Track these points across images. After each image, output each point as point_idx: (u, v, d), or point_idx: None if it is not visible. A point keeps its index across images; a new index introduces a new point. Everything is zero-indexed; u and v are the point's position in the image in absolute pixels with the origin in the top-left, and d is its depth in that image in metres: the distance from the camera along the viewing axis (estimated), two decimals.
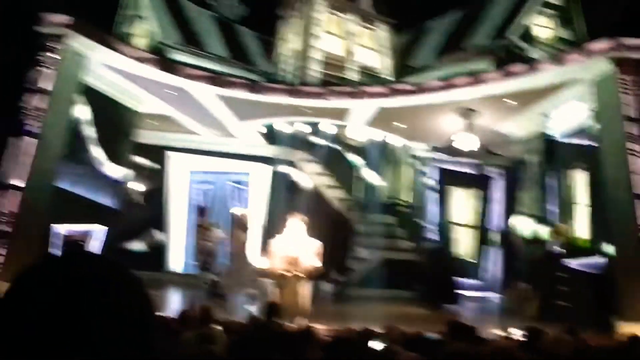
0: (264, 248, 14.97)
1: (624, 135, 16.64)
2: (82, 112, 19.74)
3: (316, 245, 13.88)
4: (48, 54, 17.87)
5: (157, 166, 25.24)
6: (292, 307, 12.94)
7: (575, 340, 8.48)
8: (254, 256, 23.45)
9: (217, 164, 26.22)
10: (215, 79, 21.41)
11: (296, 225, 14.01)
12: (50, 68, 17.78)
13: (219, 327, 9.10)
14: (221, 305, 17.51)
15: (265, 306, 10.99)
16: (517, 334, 10.52)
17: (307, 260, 13.49)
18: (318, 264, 13.73)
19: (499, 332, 13.46)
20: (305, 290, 13.59)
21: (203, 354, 6.86)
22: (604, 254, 17.94)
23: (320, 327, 12.69)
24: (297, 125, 24.39)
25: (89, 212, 20.74)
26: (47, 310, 1.42)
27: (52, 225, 18.77)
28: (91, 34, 18.78)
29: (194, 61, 25.20)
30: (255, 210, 26.05)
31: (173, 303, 19.86)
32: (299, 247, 13.54)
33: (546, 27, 25.32)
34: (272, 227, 19.78)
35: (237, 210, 24.01)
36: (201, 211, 23.09)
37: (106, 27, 24.26)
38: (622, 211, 16.68)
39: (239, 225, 22.20)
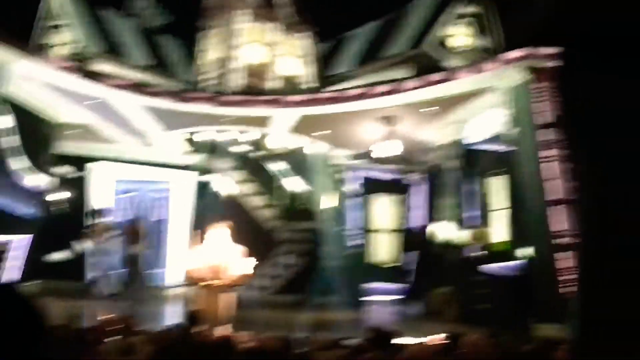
0: (188, 256, 14.68)
1: (539, 142, 16.87)
2: (2, 122, 19.39)
3: (241, 251, 13.81)
4: None
5: (75, 175, 24.87)
6: (216, 315, 12.81)
7: (493, 344, 8.53)
8: (180, 264, 23.33)
9: (139, 172, 25.93)
10: (138, 88, 21.22)
11: (220, 233, 13.83)
12: None
13: (139, 337, 8.95)
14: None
15: (187, 315, 10.81)
16: (436, 338, 10.55)
17: (232, 268, 13.25)
18: (244, 270, 13.49)
19: (419, 338, 13.53)
20: (229, 298, 13.45)
21: None
22: (521, 257, 18.20)
23: (243, 335, 12.65)
24: (220, 134, 24.30)
25: (9, 222, 20.37)
26: None
27: None
28: (11, 44, 18.47)
29: (116, 70, 24.91)
30: (177, 218, 25.93)
31: (95, 313, 19.56)
32: (223, 255, 13.39)
33: (464, 35, 25.61)
34: (195, 235, 19.58)
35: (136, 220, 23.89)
36: (99, 213, 22.80)
37: (24, 38, 23.89)
38: (537, 215, 16.93)
39: (132, 233, 22.13)
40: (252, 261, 14.47)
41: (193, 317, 10.51)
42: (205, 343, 8.18)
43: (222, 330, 12.39)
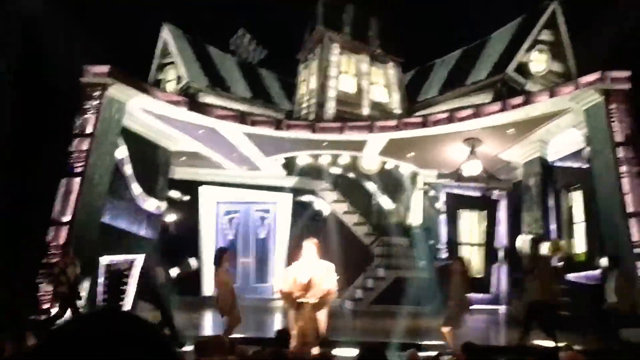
0: (281, 273, 14.22)
1: (613, 159, 17.18)
2: (122, 152, 20.39)
3: (328, 268, 12.89)
4: (91, 101, 18.56)
5: (187, 198, 25.82)
6: (308, 333, 12.09)
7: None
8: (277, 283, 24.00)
9: (243, 194, 26.80)
10: (242, 118, 21.98)
11: (309, 249, 12.97)
12: (94, 114, 18.46)
13: (233, 357, 8.74)
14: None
15: (277, 333, 10.70)
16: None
17: (320, 285, 12.50)
18: (331, 287, 12.68)
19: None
20: (321, 316, 12.60)
21: None
22: (599, 267, 18.43)
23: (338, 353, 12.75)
24: (317, 157, 24.98)
25: (131, 243, 21.33)
26: None
27: (99, 257, 19.37)
28: (128, 81, 19.47)
29: (221, 102, 25.86)
30: (279, 236, 26.71)
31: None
32: (311, 272, 12.57)
33: (539, 61, 25.88)
34: (294, 254, 20.03)
35: None
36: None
37: (143, 74, 25.02)
38: (614, 227, 17.20)
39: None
40: (335, 279, 13.49)
41: (283, 336, 10.46)
42: None
43: (315, 348, 12.07)
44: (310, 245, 13.07)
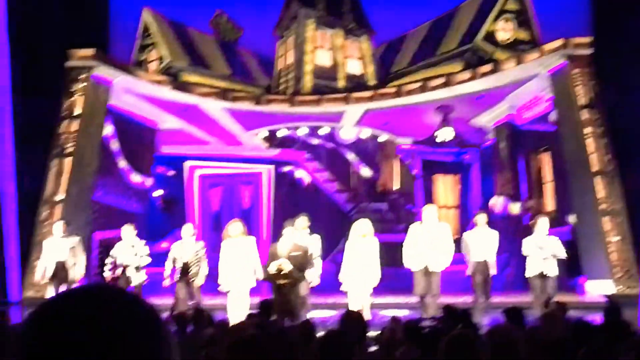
0: (269, 247, 14.17)
1: (579, 121, 17.57)
2: (109, 131, 20.55)
3: (309, 241, 13.22)
4: (77, 84, 18.74)
5: (173, 173, 26.03)
6: (288, 306, 12.06)
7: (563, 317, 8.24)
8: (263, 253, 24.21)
9: (227, 167, 26.98)
10: (223, 94, 22.16)
11: (294, 225, 13.10)
12: (81, 96, 18.65)
13: (215, 329, 8.33)
14: None
15: (261, 304, 10.33)
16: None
17: (301, 258, 12.50)
18: (311, 260, 13.02)
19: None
20: (301, 289, 12.82)
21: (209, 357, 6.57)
22: (568, 223, 18.89)
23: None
24: (297, 130, 25.20)
25: (118, 218, 21.51)
26: (63, 346, 1.32)
27: (92, 233, 19.58)
28: (113, 63, 19.66)
29: (202, 80, 25.94)
30: (262, 209, 26.92)
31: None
32: (292, 246, 12.55)
33: (506, 30, 26.11)
34: (277, 226, 20.15)
35: None
36: None
37: (126, 56, 25.13)
38: (581, 186, 17.62)
39: None
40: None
41: (267, 307, 10.23)
42: (282, 332, 7.68)
43: (295, 320, 11.40)
44: (299, 221, 13.49)
